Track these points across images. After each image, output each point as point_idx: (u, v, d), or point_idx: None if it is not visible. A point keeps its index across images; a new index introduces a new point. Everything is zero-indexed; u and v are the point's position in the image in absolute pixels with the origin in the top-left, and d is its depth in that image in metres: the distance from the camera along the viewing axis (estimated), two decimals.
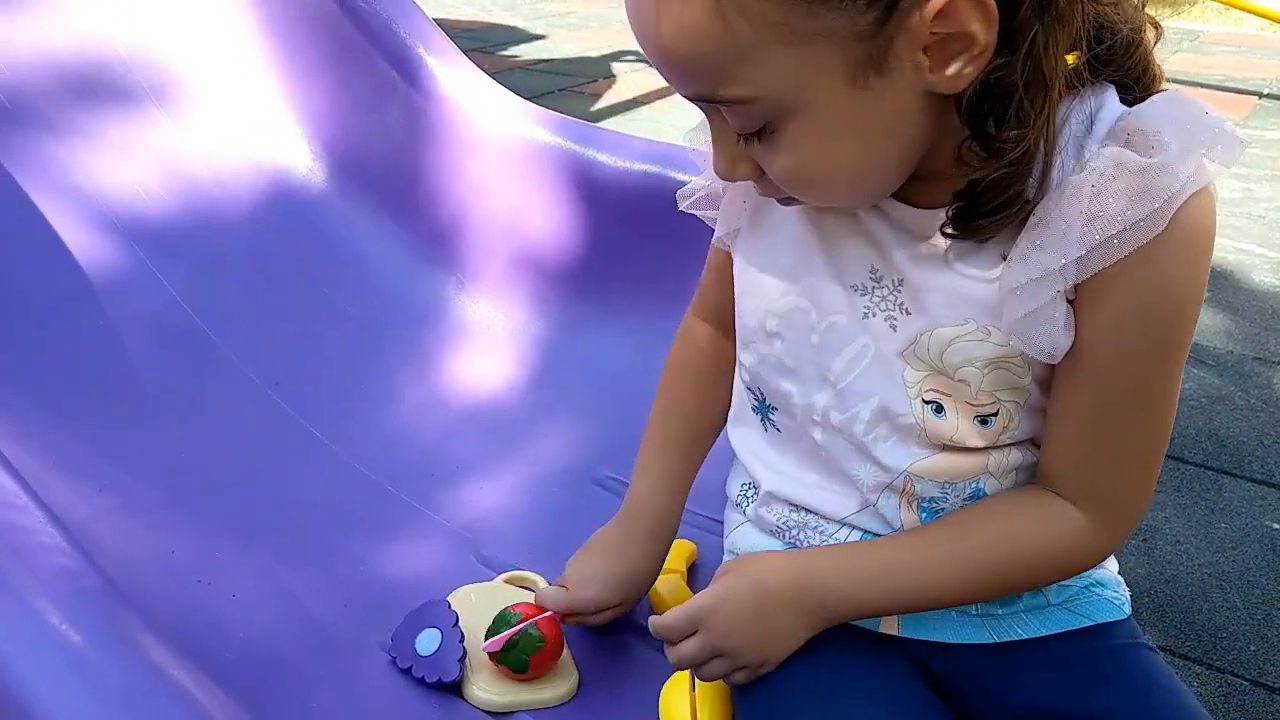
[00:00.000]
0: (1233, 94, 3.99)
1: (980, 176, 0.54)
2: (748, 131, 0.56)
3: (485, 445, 1.17)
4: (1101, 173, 0.53)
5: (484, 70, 1.41)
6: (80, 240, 1.23)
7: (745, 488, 0.78)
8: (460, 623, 0.85)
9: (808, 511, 0.72)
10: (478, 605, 0.89)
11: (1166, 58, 4.67)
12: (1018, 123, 0.52)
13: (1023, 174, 0.54)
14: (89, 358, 1.13)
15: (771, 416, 0.72)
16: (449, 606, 0.87)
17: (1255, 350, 1.94)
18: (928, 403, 0.63)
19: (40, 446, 0.95)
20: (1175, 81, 4.13)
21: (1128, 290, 0.55)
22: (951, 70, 0.51)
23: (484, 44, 4.83)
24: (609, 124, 3.48)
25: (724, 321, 0.80)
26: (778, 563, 0.69)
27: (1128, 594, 0.75)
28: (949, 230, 0.58)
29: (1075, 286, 0.56)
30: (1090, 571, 0.72)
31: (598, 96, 3.89)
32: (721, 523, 0.83)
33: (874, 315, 0.64)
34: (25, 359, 1.08)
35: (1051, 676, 0.69)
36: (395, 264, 1.37)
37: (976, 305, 0.59)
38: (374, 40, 1.36)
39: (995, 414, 0.63)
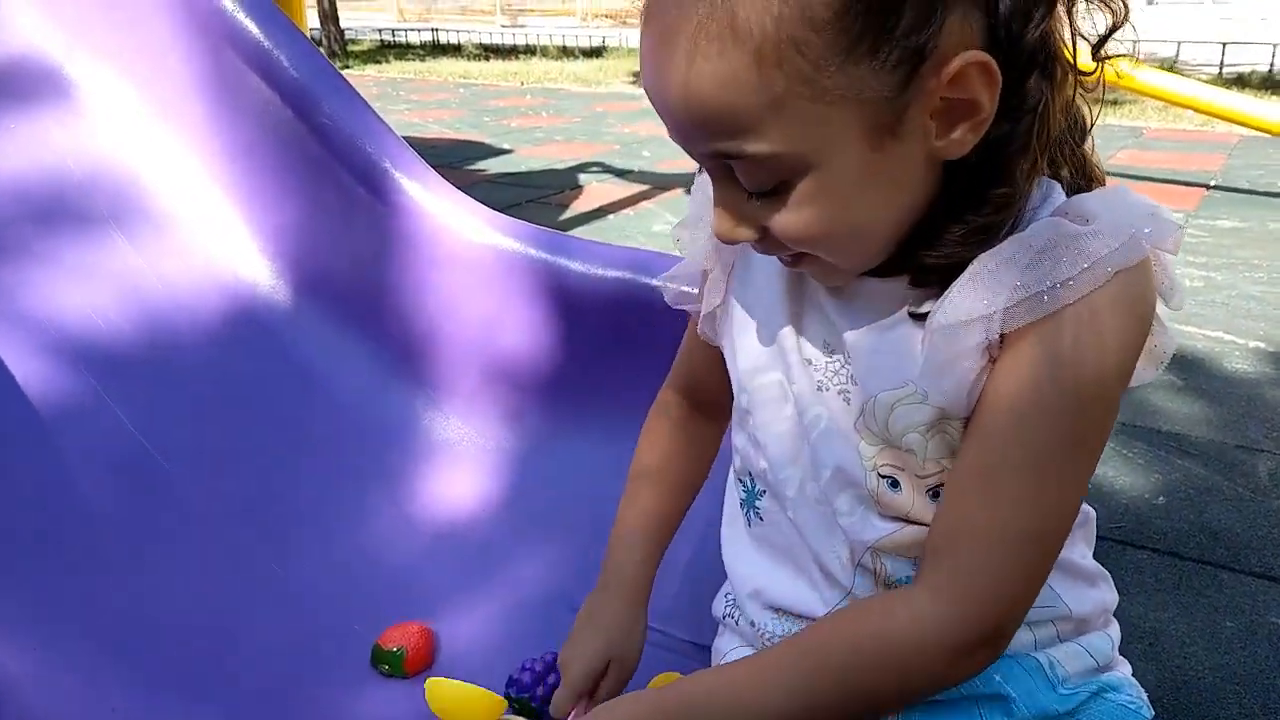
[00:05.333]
0: (1180, 186, 4.13)
1: (955, 231, 0.57)
2: (761, 190, 0.57)
3: (458, 573, 1.11)
4: (1037, 234, 0.56)
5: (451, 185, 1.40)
6: (28, 369, 1.18)
7: (729, 601, 0.78)
8: None
9: (792, 616, 0.71)
10: None
11: (1114, 153, 4.86)
12: (1009, 182, 0.56)
13: (999, 227, 0.57)
14: (35, 497, 1.06)
15: (757, 504, 0.73)
16: None
17: (1237, 438, 1.93)
18: (884, 477, 0.63)
19: None
20: (1122, 176, 4.29)
21: (1044, 350, 0.55)
22: (955, 135, 0.55)
23: (451, 160, 4.93)
24: (577, 233, 3.52)
25: (695, 392, 0.84)
26: (633, 697, 0.67)
27: (1145, 695, 0.70)
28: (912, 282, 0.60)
29: (1001, 344, 0.56)
30: (1099, 675, 0.68)
31: (565, 207, 3.95)
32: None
33: (827, 389, 0.65)
34: None
35: None
36: (362, 382, 1.33)
37: (915, 367, 0.60)
38: (339, 156, 1.35)
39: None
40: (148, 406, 1.20)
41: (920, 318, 0.59)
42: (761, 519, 0.72)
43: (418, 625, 1.02)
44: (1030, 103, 0.55)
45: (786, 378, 0.68)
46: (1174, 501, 1.70)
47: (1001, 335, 0.56)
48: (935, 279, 0.58)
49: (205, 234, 1.42)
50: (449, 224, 1.31)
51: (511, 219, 1.34)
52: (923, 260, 0.58)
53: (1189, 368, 2.28)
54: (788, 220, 0.57)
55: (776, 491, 0.70)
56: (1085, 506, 0.69)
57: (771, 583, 0.72)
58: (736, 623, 0.76)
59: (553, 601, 1.07)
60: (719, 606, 0.80)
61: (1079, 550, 0.69)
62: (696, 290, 0.78)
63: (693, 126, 0.56)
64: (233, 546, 1.09)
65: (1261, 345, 2.39)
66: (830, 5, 0.50)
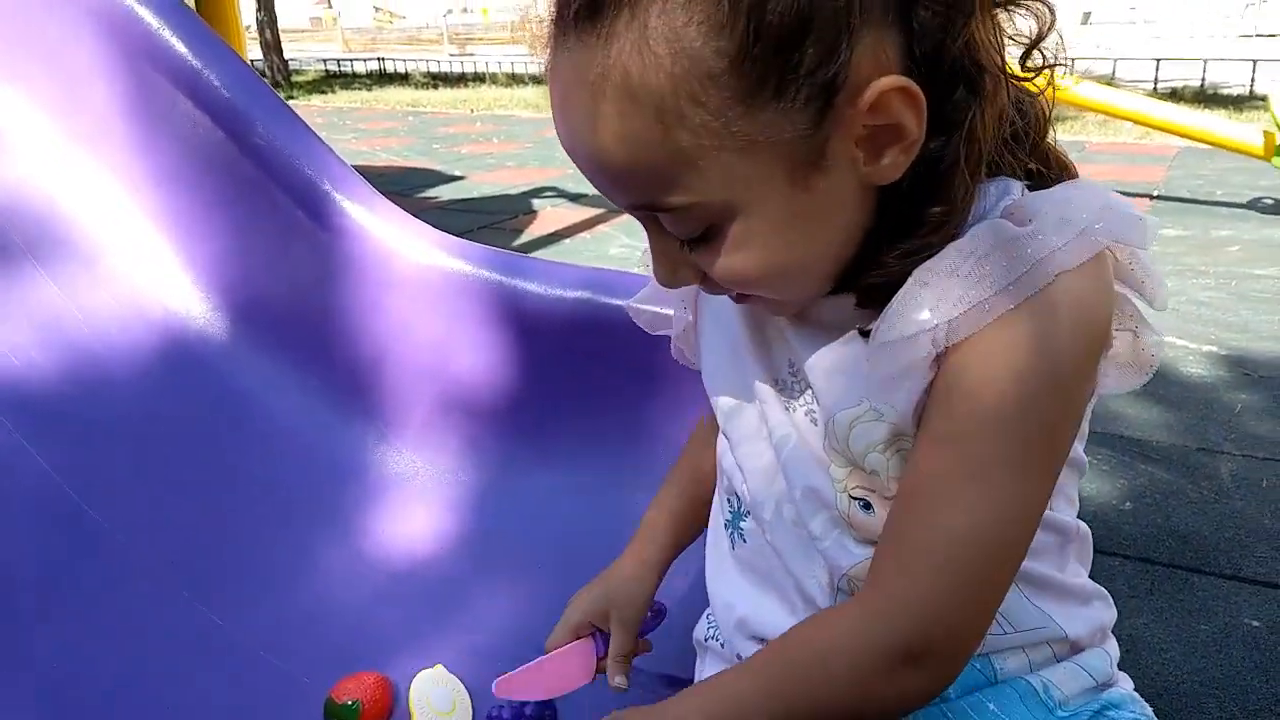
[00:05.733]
0: (1125, 198, 4.22)
1: (893, 252, 0.56)
2: (691, 237, 0.56)
3: (415, 616, 1.06)
4: (978, 240, 0.54)
5: None
6: None
7: (712, 623, 0.76)
8: None
9: None
10: None
11: None
12: (945, 200, 0.54)
13: (937, 246, 0.55)
14: None
15: (741, 525, 0.71)
16: None
17: (1197, 441, 1.95)
18: (855, 499, 0.62)
19: None
20: None
21: (984, 357, 0.53)
22: (886, 160, 0.53)
23: (401, 187, 4.88)
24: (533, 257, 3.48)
25: None
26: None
27: (1149, 710, 0.67)
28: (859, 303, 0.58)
29: (947, 355, 0.54)
30: (1100, 694, 0.65)
31: (519, 232, 3.93)
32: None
33: (795, 410, 0.64)
34: None
35: None
36: (306, 416, 1.27)
37: (868, 384, 0.58)
38: (276, 178, 1.29)
39: None
40: (72, 451, 1.13)
41: (869, 335, 0.57)
42: (745, 541, 0.70)
43: (374, 675, 0.97)
44: (958, 117, 0.53)
45: (760, 399, 0.67)
46: (1141, 506, 1.71)
47: (946, 347, 0.54)
48: (878, 297, 0.56)
49: (130, 264, 1.35)
50: (396, 247, 1.26)
51: (461, 240, 1.30)
52: (864, 282, 0.57)
53: None
54: (723, 265, 0.56)
55: (756, 514, 0.69)
56: (1079, 523, 0.67)
57: (756, 610, 0.69)
58: (722, 645, 0.74)
59: (519, 643, 1.00)
60: (701, 630, 0.78)
61: (1072, 569, 0.66)
62: (668, 311, 0.77)
63: (609, 184, 0.55)
64: (169, 599, 1.03)
65: (1214, 349, 2.43)
66: (724, 54, 0.49)
